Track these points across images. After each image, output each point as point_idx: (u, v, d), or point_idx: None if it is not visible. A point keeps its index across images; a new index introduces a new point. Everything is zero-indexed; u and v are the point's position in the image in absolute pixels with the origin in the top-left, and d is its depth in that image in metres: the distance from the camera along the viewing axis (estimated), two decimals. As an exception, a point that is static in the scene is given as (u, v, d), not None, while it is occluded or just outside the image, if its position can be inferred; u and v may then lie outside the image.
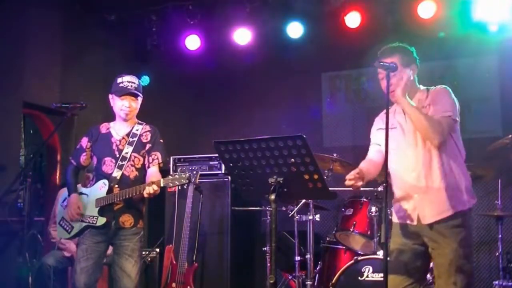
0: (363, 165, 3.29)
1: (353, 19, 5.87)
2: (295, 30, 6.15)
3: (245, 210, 5.45)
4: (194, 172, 5.10)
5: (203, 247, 5.61)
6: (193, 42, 6.43)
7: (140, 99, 3.86)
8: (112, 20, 6.20)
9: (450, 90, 3.21)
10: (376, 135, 3.41)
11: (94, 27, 6.06)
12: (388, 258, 3.00)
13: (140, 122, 3.92)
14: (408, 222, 3.18)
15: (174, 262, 5.14)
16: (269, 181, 2.70)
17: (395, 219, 3.29)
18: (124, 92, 3.76)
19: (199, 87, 6.94)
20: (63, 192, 4.29)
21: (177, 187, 3.79)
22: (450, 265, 3.06)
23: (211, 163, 5.87)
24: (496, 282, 4.66)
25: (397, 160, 3.18)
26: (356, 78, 6.46)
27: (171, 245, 5.36)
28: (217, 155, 4.09)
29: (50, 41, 5.72)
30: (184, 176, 3.58)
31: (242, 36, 6.29)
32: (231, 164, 2.83)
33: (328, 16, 6.01)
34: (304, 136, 2.58)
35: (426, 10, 5.59)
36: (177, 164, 5.92)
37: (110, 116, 3.99)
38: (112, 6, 6.14)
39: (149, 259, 5.67)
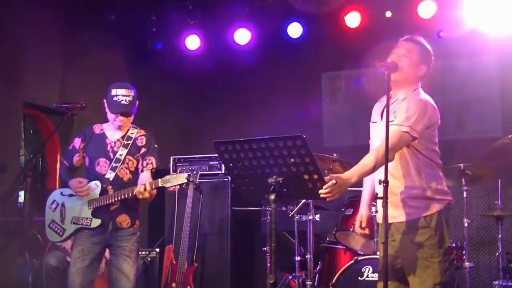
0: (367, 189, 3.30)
1: (353, 19, 5.87)
2: (295, 30, 6.15)
3: (245, 210, 5.45)
4: (194, 172, 5.09)
5: (203, 247, 5.61)
6: (193, 42, 6.42)
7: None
8: (112, 20, 6.19)
9: (424, 104, 3.00)
10: (370, 128, 3.32)
11: (94, 27, 6.05)
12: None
13: (134, 126, 3.89)
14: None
15: (174, 262, 5.13)
16: (269, 181, 2.70)
17: None
18: (118, 111, 3.69)
19: (199, 87, 6.94)
20: (51, 195, 4.12)
21: (177, 187, 3.77)
22: (417, 267, 2.96)
23: (211, 163, 5.87)
24: (496, 282, 4.65)
25: None
26: (356, 78, 6.46)
27: (171, 245, 5.35)
28: (217, 155, 4.10)
29: (50, 41, 5.72)
30: (182, 175, 3.58)
31: (242, 36, 6.28)
32: (231, 164, 2.82)
33: (328, 16, 6.01)
34: (304, 136, 2.58)
35: (426, 10, 5.59)
36: (177, 164, 5.92)
37: (109, 116, 3.98)
38: (112, 6, 6.14)
39: (149, 259, 5.66)
